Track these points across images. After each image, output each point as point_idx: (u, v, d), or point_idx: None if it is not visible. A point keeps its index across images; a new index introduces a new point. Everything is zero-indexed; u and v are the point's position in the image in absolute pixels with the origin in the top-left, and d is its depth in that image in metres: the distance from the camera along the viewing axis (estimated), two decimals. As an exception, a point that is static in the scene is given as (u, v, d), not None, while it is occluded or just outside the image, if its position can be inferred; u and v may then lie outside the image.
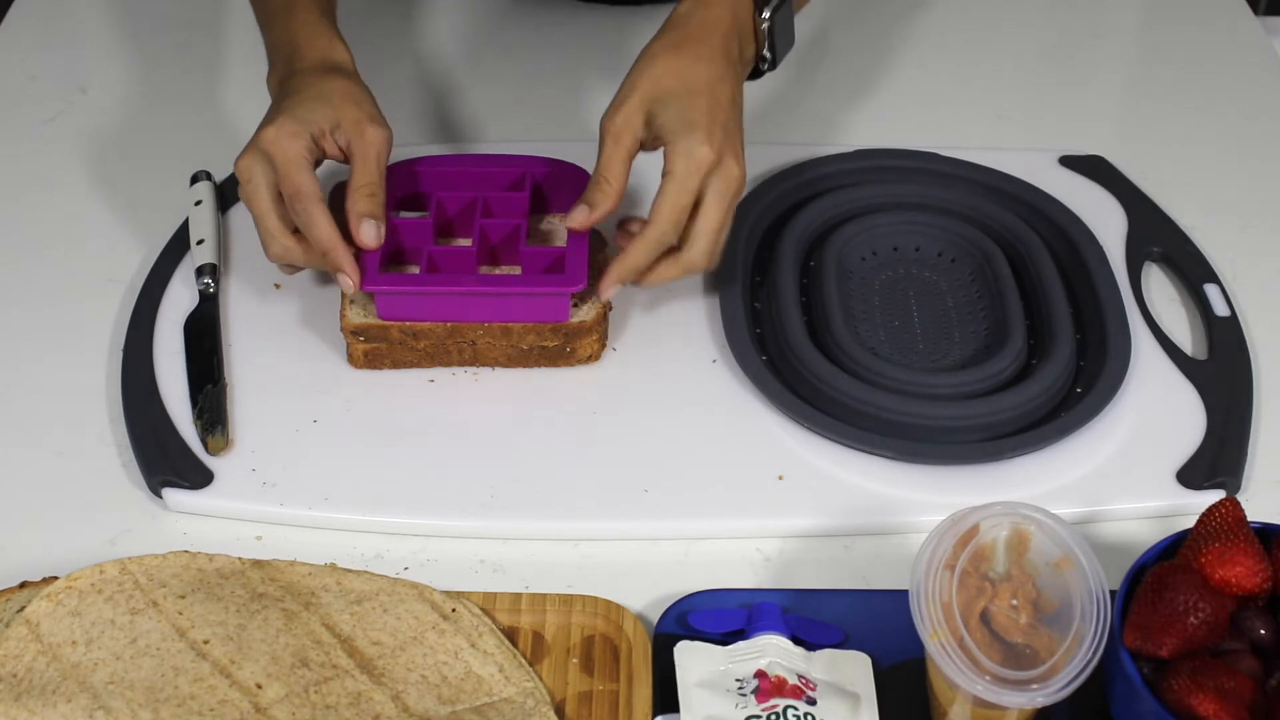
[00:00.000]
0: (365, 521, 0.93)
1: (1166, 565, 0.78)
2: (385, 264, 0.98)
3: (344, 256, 0.95)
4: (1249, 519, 0.80)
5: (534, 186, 1.04)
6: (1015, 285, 1.05)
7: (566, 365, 1.01)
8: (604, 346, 1.01)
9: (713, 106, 0.95)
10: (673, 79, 0.96)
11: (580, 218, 0.96)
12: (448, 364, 1.01)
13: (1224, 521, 0.79)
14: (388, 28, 1.30)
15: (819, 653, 0.84)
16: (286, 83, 1.00)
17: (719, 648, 0.84)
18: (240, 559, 0.88)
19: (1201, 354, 1.03)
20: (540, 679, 0.84)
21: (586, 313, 0.99)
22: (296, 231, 0.97)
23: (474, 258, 1.00)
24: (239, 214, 1.12)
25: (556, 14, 1.32)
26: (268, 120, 0.97)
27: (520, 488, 0.94)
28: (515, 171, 1.05)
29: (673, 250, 0.97)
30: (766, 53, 1.01)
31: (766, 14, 0.99)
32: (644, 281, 0.98)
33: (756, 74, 1.03)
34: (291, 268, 1.00)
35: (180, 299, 1.05)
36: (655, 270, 0.97)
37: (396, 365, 1.00)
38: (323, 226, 0.95)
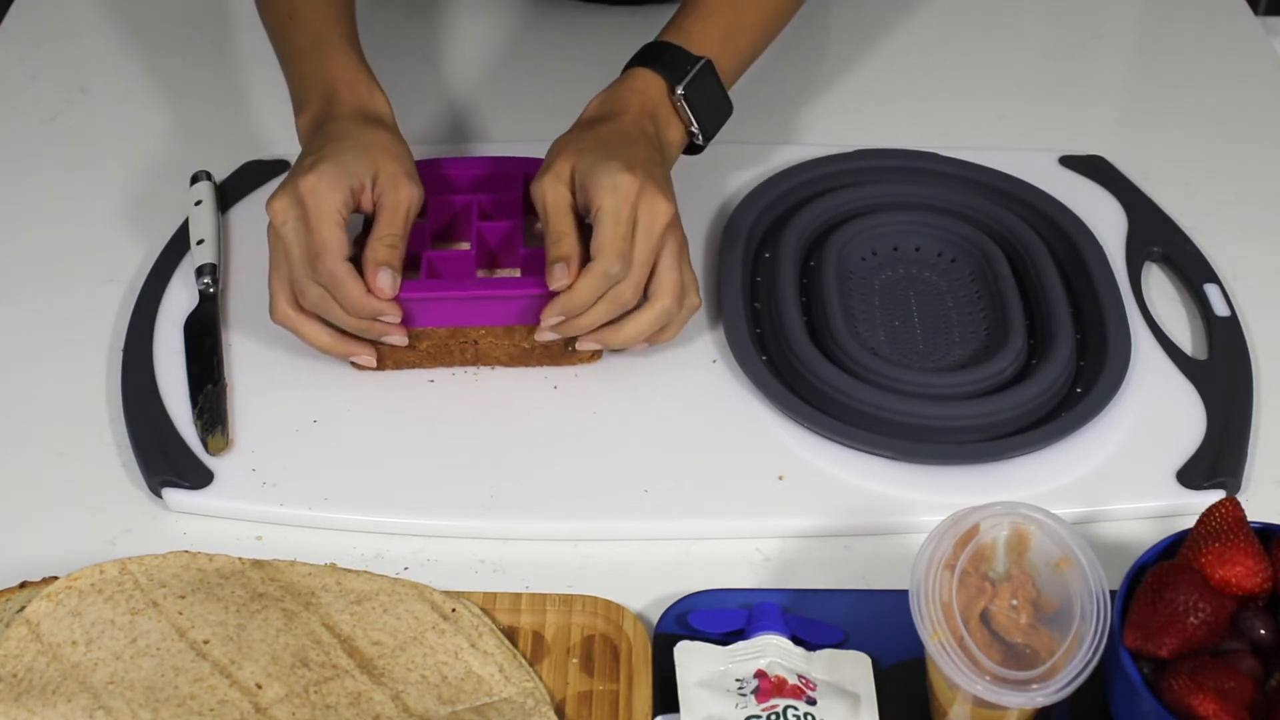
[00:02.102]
0: (365, 522, 0.93)
1: (1166, 565, 0.78)
2: None
3: (391, 314, 0.95)
4: (1249, 519, 0.80)
5: (528, 186, 1.04)
6: (1015, 285, 1.05)
7: (568, 364, 1.01)
8: None
9: (630, 155, 0.94)
10: (588, 142, 0.96)
11: (560, 275, 0.94)
12: (450, 364, 1.01)
13: (1224, 521, 0.79)
14: (388, 27, 1.30)
15: (819, 653, 0.84)
16: (325, 128, 0.98)
17: (719, 648, 0.84)
18: (240, 559, 0.88)
19: (1201, 354, 1.03)
20: (540, 679, 0.84)
21: None
22: None
23: (473, 261, 1.00)
24: (239, 214, 1.12)
25: (557, 14, 1.32)
26: (308, 167, 0.94)
27: (520, 488, 0.94)
28: (509, 173, 1.05)
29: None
30: (693, 128, 1.01)
31: (680, 90, 0.99)
32: (591, 337, 0.97)
33: (695, 149, 1.03)
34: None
35: (180, 299, 1.05)
36: (592, 313, 0.95)
37: (399, 366, 1.00)
38: (351, 286, 0.93)
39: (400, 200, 0.96)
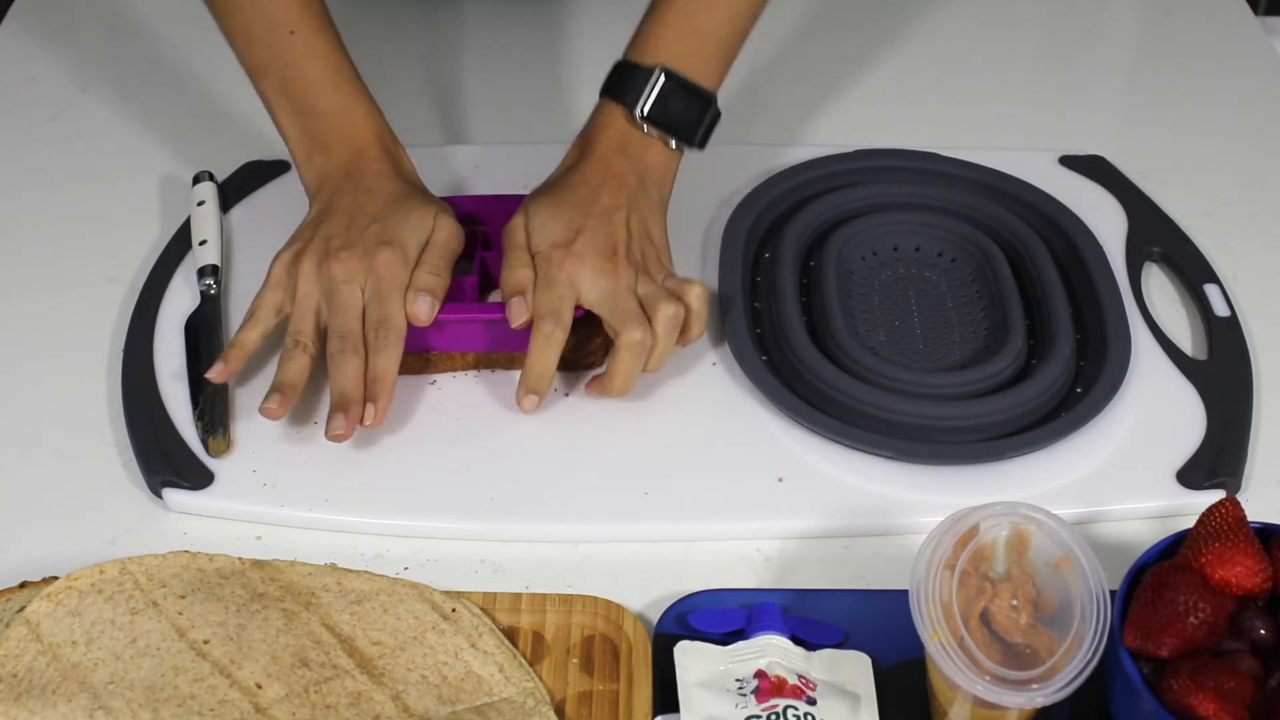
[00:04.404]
0: (365, 523, 0.93)
1: (1166, 565, 0.78)
2: None
3: (385, 401, 0.95)
4: (1249, 519, 0.80)
5: None
6: (1015, 285, 1.05)
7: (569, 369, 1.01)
8: (607, 353, 1.00)
9: (577, 219, 0.95)
10: (543, 204, 0.97)
11: (518, 310, 0.95)
12: (451, 369, 1.01)
13: (1224, 521, 0.79)
14: (386, 26, 1.30)
15: (819, 653, 0.84)
16: (368, 185, 0.99)
17: (719, 648, 0.84)
18: (240, 559, 0.88)
19: (1201, 354, 1.03)
20: (540, 679, 0.84)
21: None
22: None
23: (474, 288, 1.01)
24: (240, 214, 1.12)
25: (554, 11, 1.32)
26: (379, 238, 0.95)
27: (520, 489, 0.94)
28: (511, 209, 1.05)
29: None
30: (671, 143, 1.00)
31: (640, 113, 0.99)
32: (614, 390, 0.97)
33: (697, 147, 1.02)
34: (292, 388, 0.95)
35: (181, 299, 1.05)
36: (620, 377, 0.96)
37: (402, 371, 1.00)
38: (394, 363, 0.95)
39: (449, 238, 0.98)
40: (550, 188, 0.99)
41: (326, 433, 0.93)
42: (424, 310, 0.95)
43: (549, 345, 0.94)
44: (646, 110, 0.99)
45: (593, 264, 0.95)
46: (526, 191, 1.08)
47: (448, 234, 0.98)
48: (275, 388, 0.94)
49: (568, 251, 0.95)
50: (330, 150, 1.01)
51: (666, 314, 0.95)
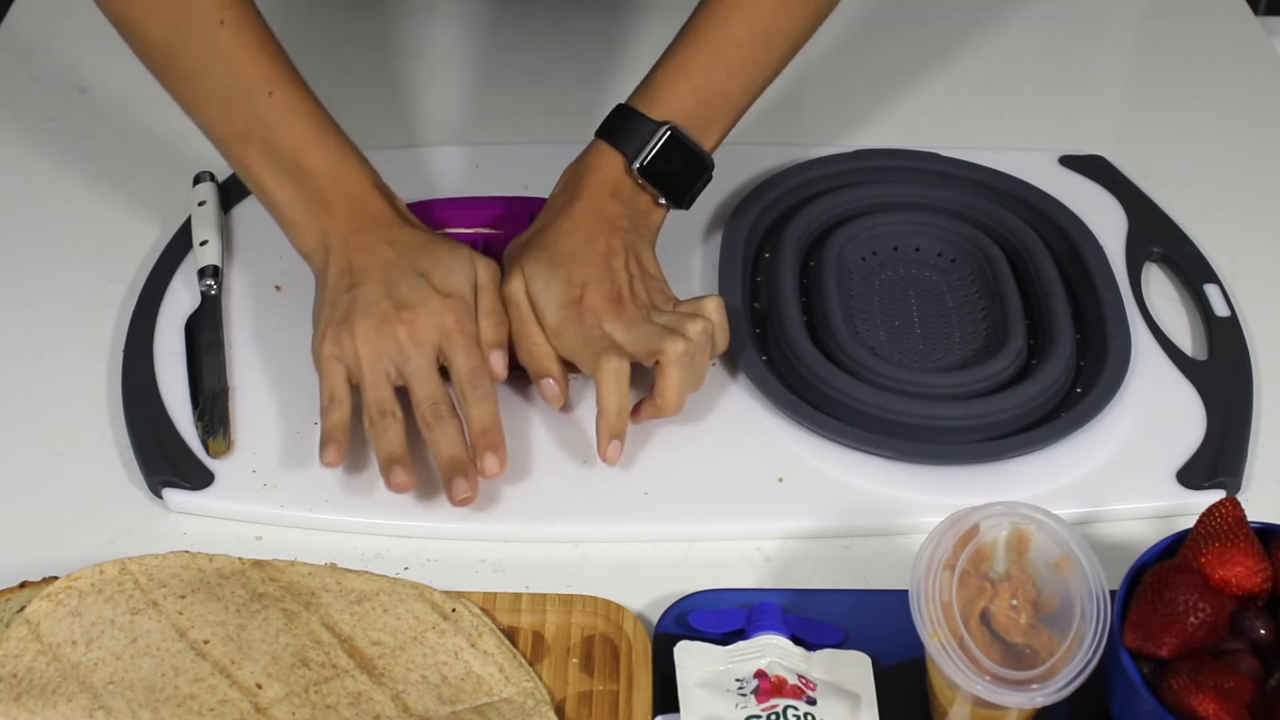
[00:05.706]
0: (365, 523, 0.93)
1: (1166, 565, 0.78)
2: None
3: (504, 447, 0.93)
4: (1249, 519, 0.80)
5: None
6: (1015, 285, 1.05)
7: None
8: None
9: (576, 270, 0.94)
10: (540, 255, 0.95)
11: (553, 389, 0.95)
12: (451, 369, 1.01)
13: (1224, 521, 0.79)
14: (385, 25, 1.30)
15: (819, 653, 0.84)
16: (392, 233, 0.97)
17: (719, 648, 0.84)
18: (240, 559, 0.88)
19: (1201, 354, 1.03)
20: (540, 679, 0.84)
21: None
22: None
23: None
24: (241, 215, 1.12)
25: (555, 10, 1.32)
26: (438, 290, 0.94)
27: (520, 489, 0.94)
28: (515, 213, 1.05)
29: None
30: (660, 201, 0.99)
31: (637, 166, 0.97)
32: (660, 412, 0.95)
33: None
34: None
35: (181, 300, 1.05)
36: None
37: None
38: (496, 409, 0.93)
39: (492, 276, 0.97)
40: (542, 240, 0.97)
41: (452, 498, 0.91)
42: (501, 366, 0.95)
43: (618, 382, 0.92)
44: (644, 164, 0.98)
45: (606, 311, 0.94)
46: (526, 192, 1.08)
47: (490, 273, 0.96)
48: (390, 463, 0.92)
49: (580, 308, 0.94)
50: (330, 206, 0.97)
51: (695, 329, 0.94)
